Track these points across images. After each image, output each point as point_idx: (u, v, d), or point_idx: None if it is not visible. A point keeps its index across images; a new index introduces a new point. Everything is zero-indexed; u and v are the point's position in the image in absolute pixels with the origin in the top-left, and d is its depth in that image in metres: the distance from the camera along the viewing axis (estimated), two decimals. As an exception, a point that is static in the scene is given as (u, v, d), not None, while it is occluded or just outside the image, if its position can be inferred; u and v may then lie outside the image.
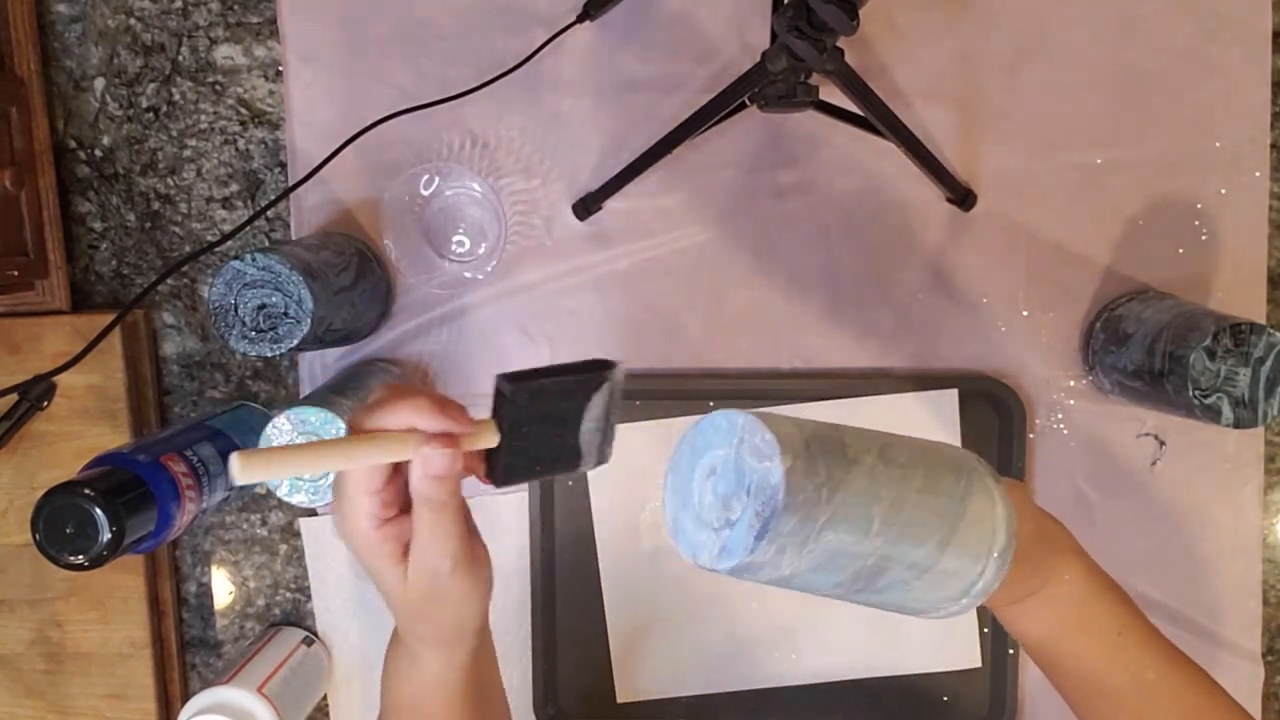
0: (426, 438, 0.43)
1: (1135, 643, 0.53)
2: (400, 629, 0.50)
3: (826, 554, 0.44)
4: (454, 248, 0.80)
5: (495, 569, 0.50)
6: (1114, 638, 0.52)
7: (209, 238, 0.82)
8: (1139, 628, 0.53)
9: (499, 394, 0.45)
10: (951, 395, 0.78)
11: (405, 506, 0.45)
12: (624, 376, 0.48)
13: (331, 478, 0.65)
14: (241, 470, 0.40)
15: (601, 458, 0.50)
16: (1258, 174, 0.78)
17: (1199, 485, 0.80)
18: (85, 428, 0.78)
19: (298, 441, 0.65)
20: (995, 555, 0.47)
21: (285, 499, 0.66)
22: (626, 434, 0.80)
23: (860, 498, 0.45)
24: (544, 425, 0.46)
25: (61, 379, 0.77)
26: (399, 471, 0.45)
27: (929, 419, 0.78)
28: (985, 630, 0.80)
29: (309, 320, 0.66)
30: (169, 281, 0.82)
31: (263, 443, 0.66)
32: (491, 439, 0.45)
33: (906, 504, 0.46)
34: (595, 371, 0.47)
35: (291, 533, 0.83)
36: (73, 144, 0.81)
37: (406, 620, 0.49)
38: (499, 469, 0.46)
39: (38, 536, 0.61)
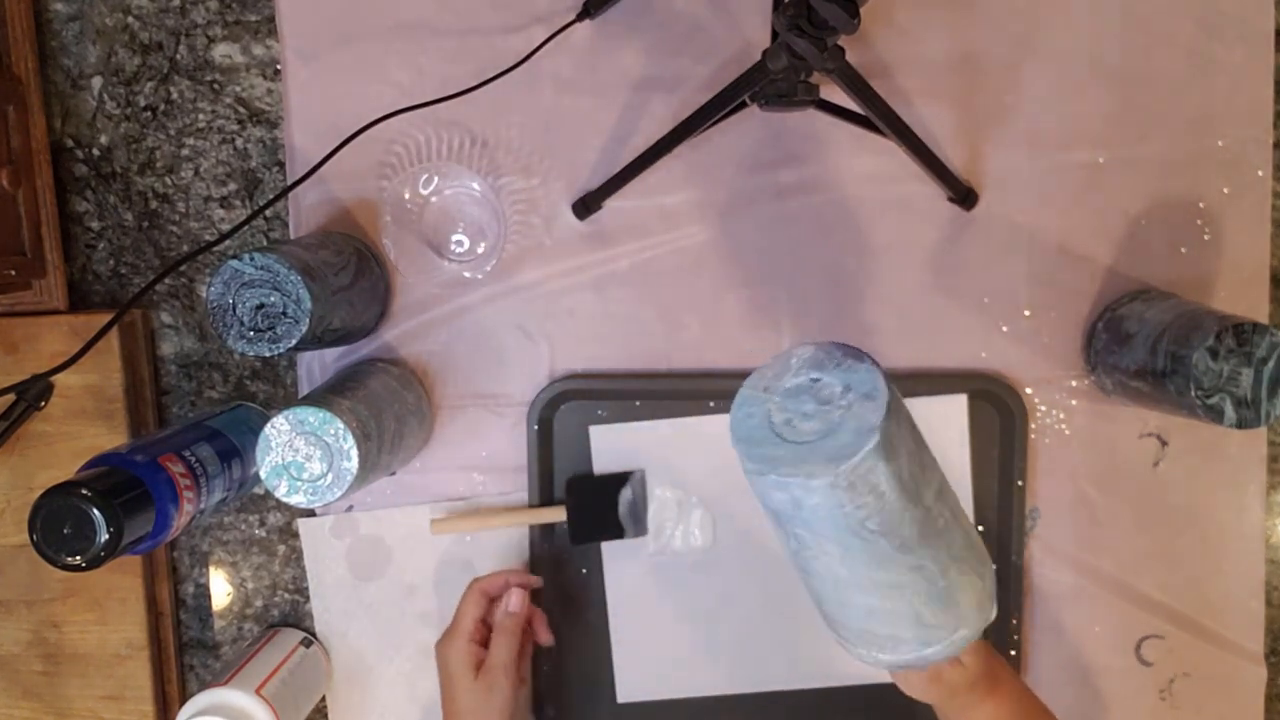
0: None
1: None
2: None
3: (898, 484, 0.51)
4: (453, 247, 0.80)
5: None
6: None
7: (207, 237, 0.81)
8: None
9: (566, 487, 0.78)
10: (960, 400, 0.78)
11: (485, 642, 0.72)
12: (643, 476, 0.79)
13: (330, 478, 0.66)
14: (436, 530, 0.79)
15: (640, 530, 0.79)
16: (1260, 173, 0.78)
17: (1201, 486, 0.80)
18: (83, 428, 0.78)
19: (297, 440, 0.65)
20: (980, 610, 0.58)
21: (284, 499, 0.66)
22: (626, 434, 0.79)
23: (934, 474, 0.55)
24: (593, 508, 0.77)
25: (59, 379, 0.77)
26: (486, 622, 0.73)
27: (938, 423, 0.78)
28: (987, 635, 0.80)
29: (307, 320, 0.66)
30: (167, 281, 0.82)
31: (260, 443, 0.65)
32: (560, 515, 0.77)
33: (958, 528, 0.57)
34: (623, 474, 0.79)
35: (290, 534, 0.82)
36: (70, 143, 0.81)
37: (470, 715, 0.70)
38: (571, 531, 0.78)
39: (35, 537, 0.61)
